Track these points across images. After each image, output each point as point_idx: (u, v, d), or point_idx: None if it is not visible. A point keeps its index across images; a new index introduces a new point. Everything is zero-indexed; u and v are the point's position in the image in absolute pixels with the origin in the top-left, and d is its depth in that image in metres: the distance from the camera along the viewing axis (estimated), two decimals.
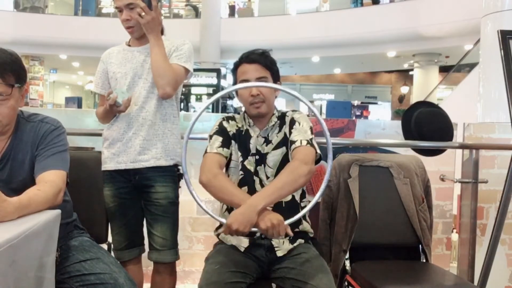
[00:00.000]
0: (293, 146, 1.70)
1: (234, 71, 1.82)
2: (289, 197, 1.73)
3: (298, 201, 1.78)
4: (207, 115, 2.82)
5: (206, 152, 1.75)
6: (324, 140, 1.51)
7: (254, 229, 1.53)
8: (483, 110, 5.46)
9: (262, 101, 1.75)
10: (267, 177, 1.75)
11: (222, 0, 14.09)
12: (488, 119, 5.20)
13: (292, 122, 1.78)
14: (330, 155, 1.51)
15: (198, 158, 1.70)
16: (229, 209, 1.78)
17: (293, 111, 1.85)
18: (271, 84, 1.71)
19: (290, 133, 1.76)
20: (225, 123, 1.81)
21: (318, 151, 1.71)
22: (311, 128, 1.76)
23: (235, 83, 1.82)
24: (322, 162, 1.75)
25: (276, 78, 1.80)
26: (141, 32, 1.92)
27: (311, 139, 1.71)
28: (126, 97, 1.83)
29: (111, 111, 1.87)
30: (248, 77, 1.75)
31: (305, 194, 1.83)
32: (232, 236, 1.77)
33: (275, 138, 1.78)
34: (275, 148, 1.77)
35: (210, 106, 8.93)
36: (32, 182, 1.49)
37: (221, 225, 1.86)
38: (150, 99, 1.92)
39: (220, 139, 1.76)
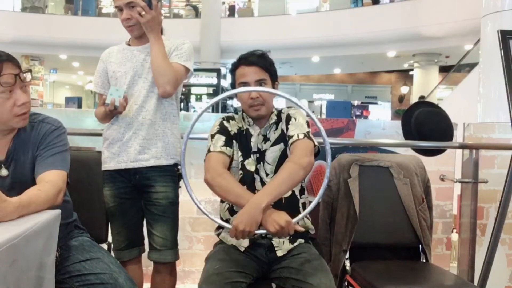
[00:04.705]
0: (291, 140, 1.73)
1: (233, 72, 1.83)
2: (289, 193, 1.73)
3: (298, 197, 1.79)
4: (207, 115, 2.82)
5: (209, 151, 1.75)
6: (322, 140, 1.51)
7: (261, 231, 1.54)
8: (483, 110, 5.46)
9: (262, 104, 1.76)
10: (267, 174, 1.76)
11: (222, 0, 14.08)
12: (488, 119, 5.21)
13: (288, 118, 1.80)
14: (329, 158, 1.51)
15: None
16: (230, 209, 1.78)
17: (288, 107, 1.86)
18: (265, 89, 1.71)
19: (287, 129, 1.78)
20: (225, 123, 1.82)
21: (316, 143, 1.74)
22: (307, 122, 1.78)
23: (233, 84, 1.83)
24: (322, 162, 1.75)
25: (274, 78, 1.82)
26: (141, 31, 1.92)
27: (307, 132, 1.73)
28: (121, 94, 1.83)
29: (111, 114, 1.89)
30: (247, 79, 1.76)
31: (304, 191, 1.83)
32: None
33: (273, 135, 1.80)
34: (273, 144, 1.78)
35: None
36: (33, 182, 1.49)
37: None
38: (150, 98, 1.92)
39: (223, 138, 1.76)
